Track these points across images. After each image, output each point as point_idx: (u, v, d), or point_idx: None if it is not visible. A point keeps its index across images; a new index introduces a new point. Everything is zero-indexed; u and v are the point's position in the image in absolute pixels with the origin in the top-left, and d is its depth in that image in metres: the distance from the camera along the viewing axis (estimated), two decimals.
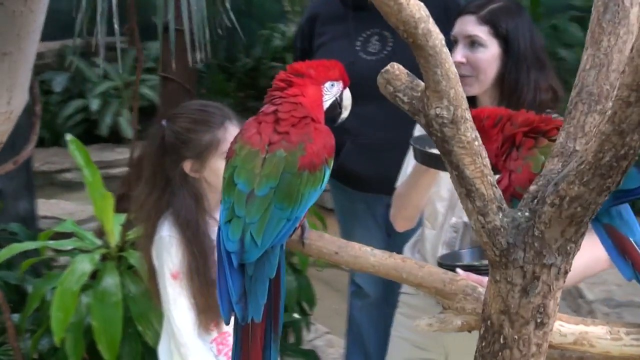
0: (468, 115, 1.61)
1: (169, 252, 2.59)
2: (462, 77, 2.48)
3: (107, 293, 2.99)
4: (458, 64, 2.57)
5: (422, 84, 1.64)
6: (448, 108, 1.59)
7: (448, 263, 2.45)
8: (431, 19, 1.55)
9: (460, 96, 1.59)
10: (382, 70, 1.65)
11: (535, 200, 1.65)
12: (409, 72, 1.66)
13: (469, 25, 2.60)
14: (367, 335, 3.99)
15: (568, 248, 1.64)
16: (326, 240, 1.96)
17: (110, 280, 3.03)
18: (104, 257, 3.19)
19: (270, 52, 7.66)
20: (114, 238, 3.25)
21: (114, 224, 3.23)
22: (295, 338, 3.71)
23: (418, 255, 2.85)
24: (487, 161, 1.64)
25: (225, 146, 2.57)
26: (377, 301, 3.94)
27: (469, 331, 1.94)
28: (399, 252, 3.61)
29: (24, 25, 2.16)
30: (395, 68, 1.65)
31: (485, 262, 2.44)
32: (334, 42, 3.52)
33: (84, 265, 3.02)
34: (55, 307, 2.89)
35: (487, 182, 1.64)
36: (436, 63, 1.56)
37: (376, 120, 3.47)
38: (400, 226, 2.77)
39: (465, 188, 1.64)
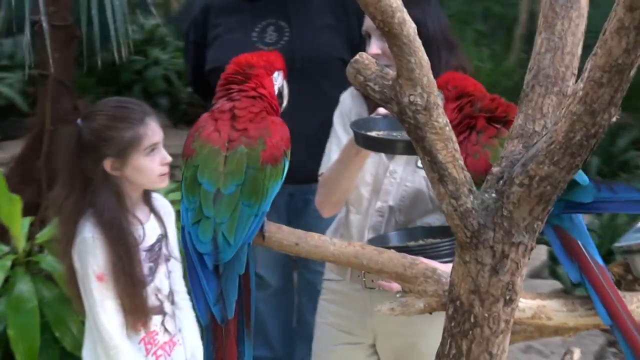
0: (439, 101, 1.64)
1: (93, 253, 2.52)
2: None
3: (21, 300, 2.89)
4: (374, 56, 2.59)
5: (392, 72, 1.65)
6: (422, 95, 1.61)
7: (379, 246, 2.48)
8: (405, 9, 1.56)
9: (432, 83, 1.62)
10: (352, 60, 1.66)
11: (501, 182, 1.70)
12: (377, 61, 1.67)
13: None
14: (270, 326, 3.97)
15: (535, 226, 1.70)
16: (285, 232, 1.97)
17: (24, 287, 2.92)
18: (13, 264, 3.07)
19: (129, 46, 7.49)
20: (21, 243, 3.13)
21: (22, 228, 3.11)
22: None
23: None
24: (457, 145, 1.68)
25: (147, 142, 2.54)
26: (278, 290, 3.94)
27: (430, 312, 1.98)
28: None
29: None
30: (364, 57, 1.66)
31: (415, 243, 2.52)
32: (230, 33, 3.48)
33: None
34: None
35: (459, 166, 1.67)
36: (410, 51, 1.59)
37: None
38: (327, 212, 2.78)
39: (437, 173, 1.67)
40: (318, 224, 3.58)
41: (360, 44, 3.62)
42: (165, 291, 2.70)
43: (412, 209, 2.66)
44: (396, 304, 1.96)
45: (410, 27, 1.57)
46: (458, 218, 1.69)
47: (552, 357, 4.59)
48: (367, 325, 2.77)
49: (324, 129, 3.44)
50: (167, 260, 2.73)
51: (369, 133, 2.35)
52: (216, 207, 1.85)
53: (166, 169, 2.62)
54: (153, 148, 2.57)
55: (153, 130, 2.58)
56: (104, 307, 2.54)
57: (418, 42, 1.59)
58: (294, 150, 3.45)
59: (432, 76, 1.62)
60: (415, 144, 1.67)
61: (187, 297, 2.83)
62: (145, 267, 2.62)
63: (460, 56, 2.69)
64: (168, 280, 2.73)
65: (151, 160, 2.57)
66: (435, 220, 2.69)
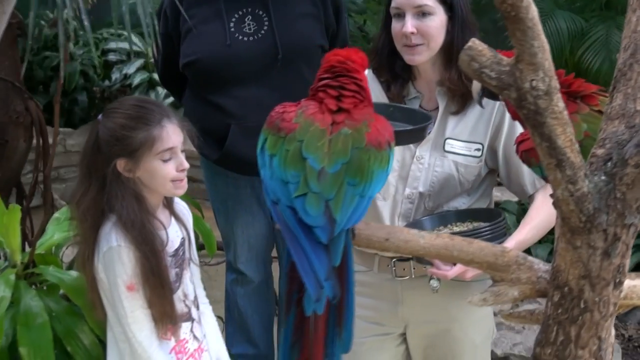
0: (558, 85, 1.60)
1: (122, 262, 2.40)
2: (413, 46, 2.49)
3: (30, 315, 2.73)
4: (409, 35, 2.55)
5: (506, 58, 1.61)
6: (543, 80, 1.57)
7: None
8: None
9: (552, 67, 1.58)
10: (465, 47, 1.60)
11: (610, 164, 1.67)
12: (490, 47, 1.61)
13: None
14: (251, 322, 3.91)
15: None
16: (374, 228, 1.90)
17: (31, 301, 2.77)
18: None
19: (42, 41, 7.23)
20: (19, 255, 2.96)
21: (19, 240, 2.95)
22: None
23: None
24: (571, 129, 1.65)
25: (161, 146, 2.43)
26: (259, 285, 3.88)
27: (522, 300, 1.95)
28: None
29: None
30: (477, 44, 1.60)
31: (450, 228, 2.50)
32: (205, 25, 3.37)
33: (0, 290, 2.73)
34: None
35: (575, 150, 1.64)
36: (533, 35, 1.54)
37: (259, 102, 3.37)
38: None
39: (555, 158, 1.63)
40: None
41: (337, 32, 3.58)
42: (192, 297, 2.62)
43: (441, 194, 2.64)
44: (488, 293, 1.92)
45: (534, 11, 1.52)
46: (574, 203, 1.66)
47: None
48: (398, 315, 2.74)
49: None
50: (190, 264, 2.64)
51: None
52: (321, 183, 1.78)
53: (182, 176, 2.50)
54: (168, 152, 2.46)
55: (169, 134, 2.46)
56: (134, 317, 2.43)
57: (540, 26, 1.54)
58: None
59: (551, 60, 1.58)
60: (532, 130, 1.63)
61: (207, 300, 2.75)
62: (172, 272, 2.52)
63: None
64: (192, 285, 2.64)
65: (165, 164, 2.45)
66: (461, 203, 2.68)
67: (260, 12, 3.38)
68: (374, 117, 1.91)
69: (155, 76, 7.35)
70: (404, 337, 2.82)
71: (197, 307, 2.64)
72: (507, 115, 2.61)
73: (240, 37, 3.36)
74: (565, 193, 1.66)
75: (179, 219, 2.62)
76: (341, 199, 1.78)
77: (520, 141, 2.10)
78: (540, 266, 1.91)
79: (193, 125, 3.47)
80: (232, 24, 3.37)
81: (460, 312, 2.73)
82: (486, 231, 2.39)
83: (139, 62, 7.42)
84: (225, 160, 3.50)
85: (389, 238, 1.87)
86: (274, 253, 3.93)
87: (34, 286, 2.96)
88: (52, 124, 3.42)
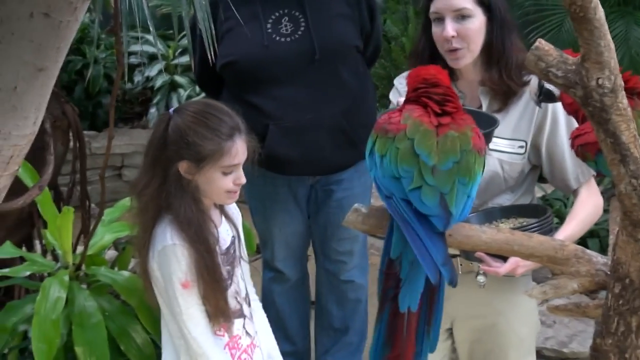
0: (622, 83, 1.65)
1: (177, 260, 2.45)
2: (454, 50, 2.54)
3: (85, 315, 2.79)
4: (450, 38, 2.60)
5: (572, 58, 1.66)
6: (609, 78, 1.62)
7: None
8: None
9: (617, 65, 1.63)
10: (532, 48, 1.64)
11: None
12: (555, 47, 1.66)
13: None
14: (288, 319, 3.96)
15: None
16: None
17: (85, 301, 2.83)
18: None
19: None
20: (71, 256, 3.02)
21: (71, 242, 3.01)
22: None
23: None
24: (635, 125, 1.69)
25: (227, 161, 2.48)
26: (296, 283, 3.93)
27: (582, 292, 1.99)
28: (320, 232, 3.63)
29: (67, 36, 1.95)
30: (544, 44, 1.65)
31: (496, 224, 2.54)
32: (242, 26, 3.42)
33: (55, 290, 2.78)
34: (36, 339, 2.64)
35: (638, 145, 1.68)
36: (600, 35, 1.59)
37: (297, 102, 3.42)
38: None
39: (619, 154, 1.68)
40: (339, 215, 3.59)
41: (371, 32, 3.63)
42: (243, 293, 2.67)
43: (487, 192, 2.68)
44: (548, 286, 1.96)
45: (601, 11, 1.57)
46: (637, 197, 1.70)
47: None
48: (445, 310, 2.78)
49: (346, 119, 3.44)
50: (240, 262, 2.69)
51: None
52: (436, 178, 1.83)
53: (237, 189, 2.57)
54: (232, 167, 2.53)
55: (238, 150, 2.52)
56: (189, 315, 2.48)
57: (606, 26, 1.59)
58: (315, 140, 3.46)
59: (616, 59, 1.63)
60: (596, 126, 1.67)
61: (257, 297, 2.80)
62: (224, 270, 2.57)
63: (519, 37, 2.72)
64: (243, 282, 2.69)
65: (225, 177, 2.53)
66: (505, 200, 2.72)
67: (297, 13, 3.43)
68: (473, 124, 1.97)
69: (177, 78, 7.42)
70: (450, 332, 2.87)
71: (249, 304, 2.70)
72: (549, 112, 2.66)
73: (278, 38, 3.41)
74: (629, 187, 1.70)
75: (229, 218, 2.69)
76: (454, 194, 1.84)
77: (575, 136, 2.14)
78: (599, 259, 1.96)
79: None
80: (269, 25, 3.42)
81: (506, 306, 2.78)
82: (535, 227, 2.44)
83: (160, 65, 7.47)
84: (263, 160, 3.55)
85: (452, 234, 1.91)
86: (310, 252, 3.98)
87: (84, 286, 3.01)
88: None
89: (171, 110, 2.54)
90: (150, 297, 2.59)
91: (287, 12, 3.45)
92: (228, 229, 2.66)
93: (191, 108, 2.54)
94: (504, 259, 2.48)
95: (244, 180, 2.56)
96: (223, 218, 2.67)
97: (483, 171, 1.94)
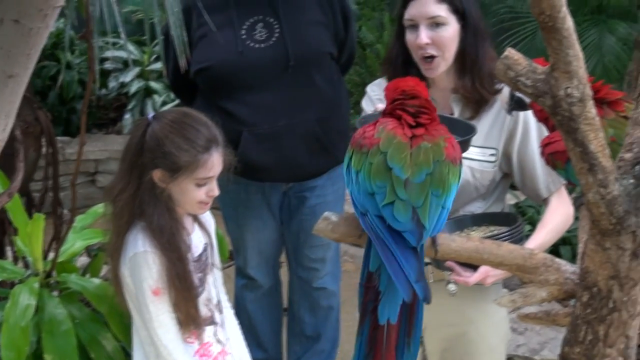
0: (591, 92, 1.66)
1: (148, 267, 2.45)
2: (429, 58, 2.55)
3: (55, 322, 2.77)
4: (424, 46, 2.61)
5: (541, 67, 1.67)
6: (578, 87, 1.63)
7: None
8: None
9: (585, 75, 1.64)
10: (502, 57, 1.65)
11: (638, 167, 1.73)
12: (525, 57, 1.67)
13: (430, 6, 2.62)
14: (260, 326, 3.96)
15: None
16: None
17: (55, 309, 2.81)
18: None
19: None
20: (42, 263, 3.00)
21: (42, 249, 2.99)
22: None
23: None
24: (603, 134, 1.70)
25: (202, 173, 2.48)
26: (268, 290, 3.92)
27: (552, 301, 2.00)
28: (292, 239, 3.63)
29: (37, 43, 1.94)
30: (513, 53, 1.66)
31: (467, 233, 2.55)
32: (217, 32, 3.41)
33: (25, 297, 2.76)
34: (4, 347, 2.62)
35: (607, 155, 1.70)
36: (569, 44, 1.60)
37: (271, 108, 3.42)
38: None
39: (588, 163, 1.69)
40: (312, 222, 3.57)
41: (345, 39, 3.63)
42: (215, 300, 2.67)
43: (458, 200, 2.66)
44: (517, 295, 1.97)
45: (570, 21, 1.58)
46: (604, 206, 1.71)
47: None
48: None
49: (320, 126, 3.44)
50: (212, 269, 2.69)
51: None
52: (408, 191, 1.84)
53: (209, 200, 2.57)
54: (206, 180, 2.53)
55: (213, 164, 2.52)
56: (160, 321, 2.48)
57: (575, 36, 1.60)
58: (289, 147, 3.46)
59: (585, 68, 1.64)
60: (565, 135, 1.68)
61: (229, 304, 2.79)
62: (195, 277, 2.56)
63: (492, 46, 2.73)
64: (215, 289, 2.68)
65: (199, 188, 2.53)
66: (477, 208, 2.73)
67: (271, 20, 3.43)
68: (447, 134, 1.98)
69: (152, 84, 7.40)
70: (421, 340, 2.87)
71: (221, 311, 2.70)
72: (521, 120, 2.67)
73: (252, 44, 3.40)
74: (597, 196, 1.71)
75: (202, 226, 2.68)
76: (427, 207, 1.84)
77: (545, 144, 2.15)
78: (567, 267, 1.97)
79: None
80: (243, 31, 3.41)
81: (477, 314, 2.79)
82: (505, 236, 2.45)
83: (135, 71, 7.45)
84: (237, 167, 3.54)
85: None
86: (283, 258, 3.98)
87: (55, 293, 2.99)
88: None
89: (149, 116, 2.54)
90: (121, 302, 2.58)
91: (261, 19, 3.44)
92: (201, 237, 2.65)
93: (170, 116, 2.53)
94: (475, 268, 2.50)
95: (217, 192, 2.56)
96: (196, 225, 2.66)
97: (459, 181, 1.95)
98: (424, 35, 2.60)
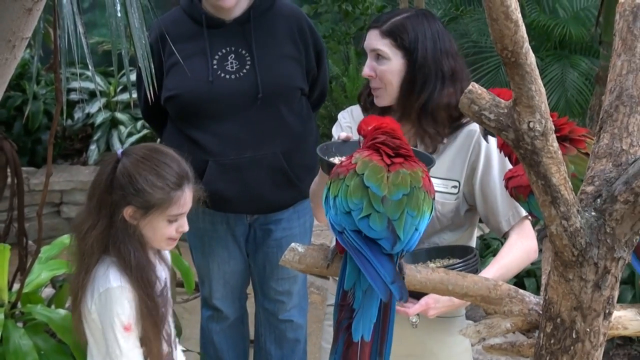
0: (553, 126, 1.70)
1: (120, 303, 2.43)
2: (373, 89, 2.59)
3: (20, 354, 2.74)
4: (367, 77, 2.65)
5: (504, 101, 1.70)
6: (540, 121, 1.66)
7: None
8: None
9: (547, 109, 1.68)
10: (465, 91, 1.68)
11: (600, 200, 1.77)
12: (489, 91, 1.71)
13: (373, 40, 2.68)
14: (226, 358, 3.95)
15: (634, 240, 1.78)
16: None
17: (20, 340, 2.79)
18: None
19: None
20: (7, 294, 2.98)
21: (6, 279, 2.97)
22: None
23: None
24: (565, 167, 1.74)
25: (175, 210, 2.48)
26: (234, 322, 3.92)
27: (516, 332, 2.02)
28: (259, 271, 3.64)
29: (4, 74, 1.97)
30: (477, 87, 1.69)
31: (422, 265, 2.58)
32: (189, 61, 3.41)
33: None
34: None
35: (569, 187, 1.73)
36: (531, 80, 1.63)
37: (237, 139, 3.44)
38: (321, 219, 2.80)
39: (550, 196, 1.72)
40: (278, 255, 3.60)
41: (317, 76, 3.66)
42: (173, 336, 2.65)
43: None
44: (482, 326, 2.00)
45: (532, 56, 1.62)
46: (567, 238, 1.75)
47: None
48: None
49: (286, 159, 3.46)
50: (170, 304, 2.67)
51: (330, 159, 2.37)
52: (385, 206, 1.92)
53: (178, 236, 2.58)
54: (177, 216, 2.53)
55: (185, 201, 2.53)
56: (129, 357, 2.46)
57: (537, 71, 1.64)
58: (254, 179, 3.47)
59: (546, 102, 1.67)
60: (528, 169, 1.72)
61: (177, 339, 2.76)
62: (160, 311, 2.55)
63: (458, 89, 2.71)
64: (172, 324, 2.67)
65: (169, 224, 2.52)
66: (443, 239, 2.75)
67: (244, 52, 3.45)
68: (424, 168, 2.06)
69: (118, 115, 7.39)
70: None
71: (175, 347, 2.68)
72: (482, 153, 2.70)
73: (223, 75, 3.43)
74: (559, 228, 1.74)
75: (162, 259, 2.67)
76: (403, 221, 1.92)
77: (509, 177, 2.19)
78: (531, 299, 2.00)
79: None
80: (215, 61, 3.44)
81: (440, 347, 2.80)
82: (459, 266, 2.48)
83: (101, 102, 7.44)
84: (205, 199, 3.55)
85: None
86: (250, 290, 3.97)
87: (20, 324, 2.97)
88: None
89: (119, 151, 2.53)
90: (79, 335, 2.55)
91: (234, 50, 3.47)
92: (161, 270, 2.64)
93: (140, 152, 2.53)
94: (418, 298, 2.51)
95: (186, 228, 2.56)
96: (157, 259, 2.65)
97: (431, 213, 2.00)
98: (368, 68, 2.68)
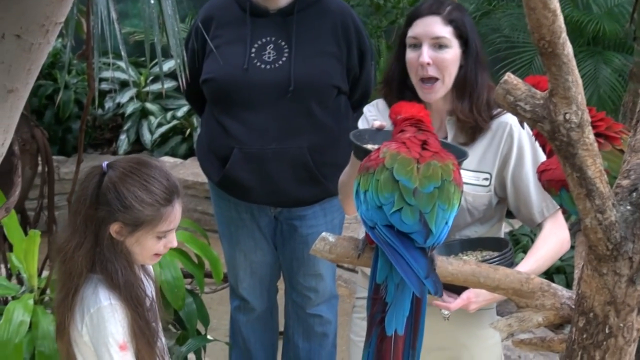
0: (589, 118, 1.67)
1: (113, 321, 2.33)
2: (428, 81, 2.55)
3: (48, 339, 2.76)
4: (424, 65, 2.62)
5: (540, 92, 1.68)
6: (576, 113, 1.64)
7: None
8: None
9: (584, 101, 1.65)
10: (501, 82, 1.66)
11: (636, 194, 1.74)
12: (524, 82, 1.69)
13: (435, 27, 2.64)
14: (254, 350, 3.95)
15: None
16: None
17: (49, 326, 2.79)
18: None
19: None
20: (36, 280, 3.00)
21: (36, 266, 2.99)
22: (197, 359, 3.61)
23: None
24: (601, 160, 1.72)
25: (164, 227, 2.37)
26: (262, 314, 3.91)
27: (546, 326, 2.01)
28: (287, 264, 3.64)
29: (37, 59, 1.95)
30: (512, 78, 1.67)
31: (465, 257, 2.56)
32: (228, 46, 3.42)
33: (19, 314, 2.76)
34: None
35: (605, 180, 1.71)
36: (568, 70, 1.61)
37: (264, 130, 3.43)
38: (350, 211, 2.79)
39: (586, 188, 1.70)
40: (304, 251, 3.60)
41: (359, 76, 3.62)
42: (165, 350, 2.57)
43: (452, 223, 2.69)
44: (513, 319, 1.98)
45: (569, 47, 1.60)
46: (602, 232, 1.72)
47: None
48: None
49: (312, 155, 3.44)
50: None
51: (364, 145, 2.37)
52: (417, 198, 1.92)
53: (165, 251, 2.47)
54: (166, 232, 2.42)
55: (175, 216, 2.41)
56: None
57: (574, 62, 1.61)
58: (276, 171, 3.47)
59: (583, 94, 1.65)
60: (563, 161, 1.69)
61: (168, 353, 2.70)
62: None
63: (489, 75, 2.74)
64: (163, 338, 2.59)
65: (158, 241, 2.41)
66: (474, 232, 2.73)
67: (283, 43, 3.44)
68: (455, 161, 2.06)
69: (148, 105, 7.43)
70: None
71: None
72: (515, 145, 2.68)
73: (259, 64, 3.42)
74: (594, 222, 1.72)
75: (147, 272, 2.58)
76: (435, 214, 1.92)
77: (542, 170, 2.17)
78: (564, 293, 1.98)
79: (205, 144, 3.51)
80: (253, 50, 3.43)
81: (471, 340, 2.78)
82: (495, 260, 2.45)
83: (131, 92, 7.47)
84: (224, 183, 3.55)
85: None
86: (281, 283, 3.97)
87: (49, 311, 2.98)
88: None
89: (104, 164, 2.39)
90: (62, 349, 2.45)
91: (273, 40, 3.46)
92: (147, 283, 2.54)
93: (127, 166, 2.38)
94: (459, 293, 2.50)
95: (175, 243, 2.45)
96: (142, 273, 2.55)
97: (459, 205, 2.00)
98: (427, 55, 2.62)
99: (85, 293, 2.36)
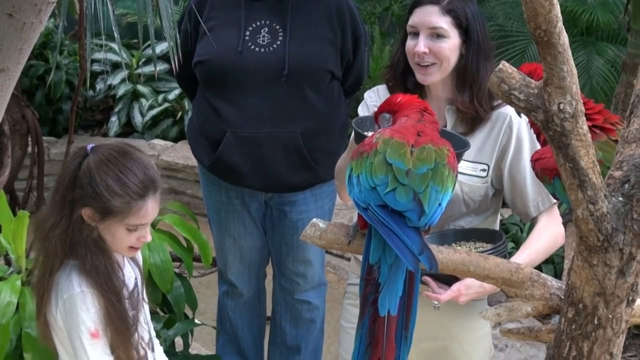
0: (583, 108, 1.67)
1: (85, 308, 2.32)
2: (425, 66, 2.55)
3: (35, 320, 2.74)
4: (421, 54, 2.61)
5: (534, 82, 1.67)
6: (571, 103, 1.64)
7: None
8: None
9: (579, 91, 1.65)
10: (496, 70, 1.66)
11: (628, 185, 1.74)
12: (519, 71, 1.68)
13: (433, 16, 2.63)
14: (241, 334, 3.94)
15: None
16: None
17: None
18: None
19: None
20: (24, 261, 2.98)
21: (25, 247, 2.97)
22: (184, 343, 3.59)
23: None
24: (594, 151, 1.71)
25: (134, 220, 2.35)
26: (250, 299, 3.90)
27: (535, 316, 2.01)
28: (275, 250, 3.63)
29: (30, 38, 1.94)
30: (507, 67, 1.66)
31: (458, 247, 2.55)
32: (222, 29, 3.40)
33: (6, 295, 2.74)
34: None
35: (597, 171, 1.70)
36: (563, 60, 1.60)
37: (257, 113, 3.41)
38: (345, 198, 2.78)
39: (578, 179, 1.70)
40: (294, 237, 3.59)
41: (352, 62, 3.61)
42: (147, 339, 2.55)
43: (446, 213, 2.68)
44: (502, 309, 1.97)
45: (565, 36, 1.59)
46: (593, 223, 1.72)
47: None
48: None
49: (305, 140, 3.42)
50: (143, 305, 2.57)
51: (365, 132, 2.36)
52: (410, 178, 1.92)
53: (140, 245, 2.45)
54: (138, 226, 2.39)
55: (147, 211, 2.37)
56: None
57: (569, 51, 1.61)
58: (269, 155, 3.45)
59: (578, 84, 1.64)
60: (556, 151, 1.69)
61: (157, 340, 2.71)
62: (130, 315, 2.44)
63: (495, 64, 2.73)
64: (147, 325, 2.59)
65: (129, 233, 2.39)
66: (468, 222, 2.73)
67: (277, 27, 3.42)
68: (450, 147, 2.05)
69: (139, 87, 7.39)
70: None
71: (152, 349, 2.59)
72: (514, 137, 2.67)
73: (253, 47, 3.40)
74: (586, 213, 1.72)
75: (132, 259, 2.57)
76: (428, 194, 1.92)
77: (536, 159, 2.16)
78: (553, 283, 1.98)
79: (196, 128, 3.48)
80: (247, 33, 3.41)
81: (461, 330, 2.78)
82: (488, 253, 2.45)
83: (123, 74, 7.43)
84: (216, 167, 3.53)
85: None
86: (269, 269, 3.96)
87: None
88: None
89: (89, 146, 2.39)
90: (46, 340, 2.46)
91: (268, 24, 3.44)
92: (131, 270, 2.54)
93: (107, 153, 2.37)
94: (449, 285, 2.50)
95: (149, 238, 2.43)
96: (126, 259, 2.54)
97: (453, 189, 1.99)
98: (422, 44, 2.62)
99: (60, 278, 2.36)
